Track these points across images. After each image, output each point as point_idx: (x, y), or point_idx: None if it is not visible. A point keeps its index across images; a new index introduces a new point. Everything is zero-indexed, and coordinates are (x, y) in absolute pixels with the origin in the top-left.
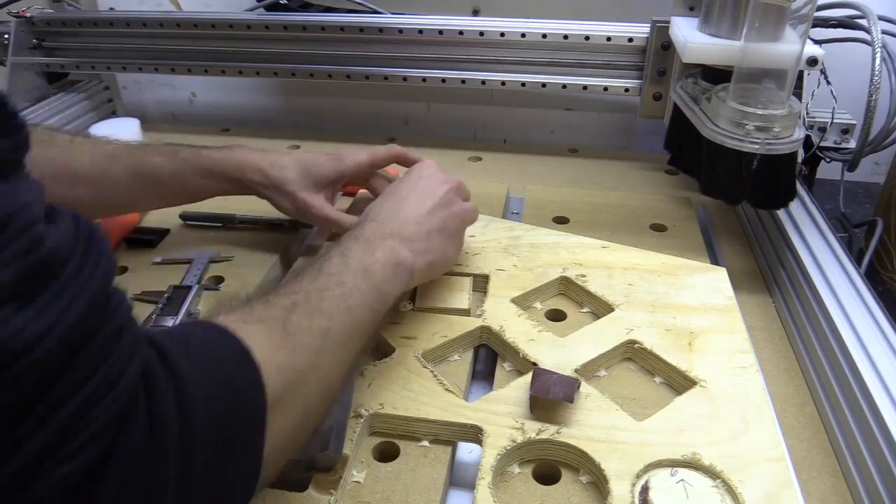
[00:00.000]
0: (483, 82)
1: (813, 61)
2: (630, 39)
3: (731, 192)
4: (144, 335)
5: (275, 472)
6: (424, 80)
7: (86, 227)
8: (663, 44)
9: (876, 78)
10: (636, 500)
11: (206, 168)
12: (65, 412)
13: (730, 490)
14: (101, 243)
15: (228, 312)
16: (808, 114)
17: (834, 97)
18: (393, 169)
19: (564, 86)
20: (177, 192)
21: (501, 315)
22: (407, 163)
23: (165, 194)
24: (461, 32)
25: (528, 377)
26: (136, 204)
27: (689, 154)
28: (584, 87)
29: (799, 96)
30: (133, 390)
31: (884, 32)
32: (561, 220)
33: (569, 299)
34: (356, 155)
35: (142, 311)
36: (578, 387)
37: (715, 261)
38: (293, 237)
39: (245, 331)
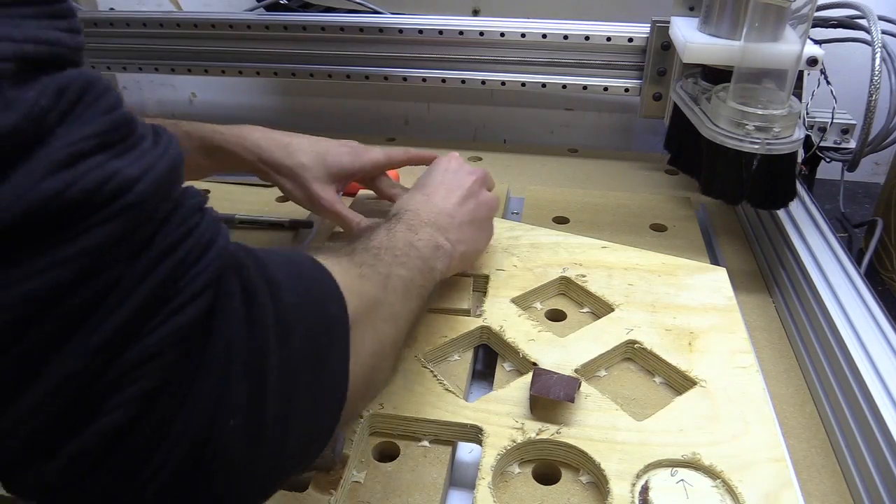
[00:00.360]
0: (483, 82)
1: (813, 61)
2: (630, 39)
3: (731, 192)
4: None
5: (355, 411)
6: (424, 80)
7: (148, 124)
8: (663, 44)
9: (876, 78)
10: (636, 500)
11: (216, 145)
12: (165, 266)
13: (730, 490)
14: (168, 134)
15: None
16: (808, 114)
17: (834, 97)
18: (393, 172)
19: (564, 86)
20: None
21: (501, 315)
22: (425, 163)
23: None
24: (461, 32)
25: (528, 377)
26: None
27: (689, 154)
28: (584, 87)
29: (799, 96)
30: (225, 260)
31: (884, 32)
32: (561, 220)
33: (569, 299)
34: (374, 153)
35: None
36: (579, 386)
37: (715, 261)
38: (293, 237)
39: (317, 258)
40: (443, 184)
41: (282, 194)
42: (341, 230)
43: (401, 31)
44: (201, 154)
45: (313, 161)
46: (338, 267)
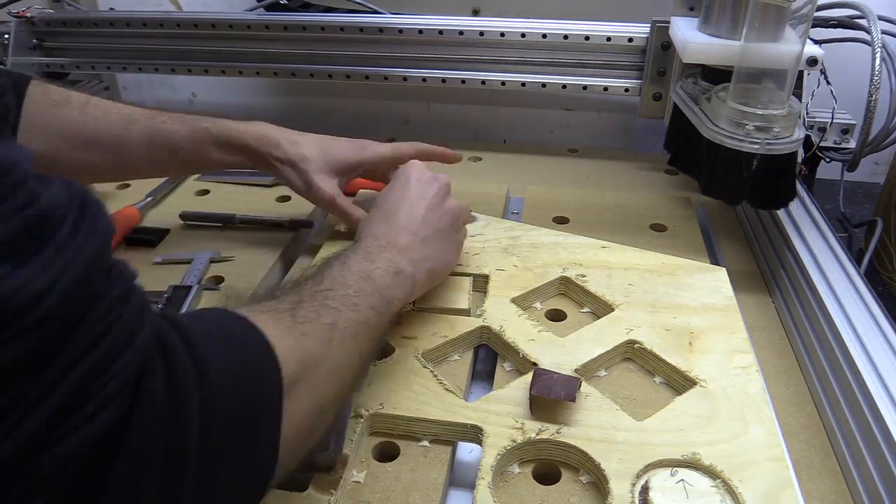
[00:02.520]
0: (483, 82)
1: (813, 61)
2: (630, 39)
3: (731, 192)
4: (155, 310)
5: (290, 462)
6: (424, 80)
7: (78, 190)
8: (663, 44)
9: (876, 78)
10: (636, 500)
11: (227, 139)
12: (77, 373)
13: (730, 490)
14: (96, 205)
15: (235, 307)
16: (808, 114)
17: (834, 97)
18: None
19: (564, 86)
20: (193, 160)
21: (501, 315)
22: (434, 158)
23: (181, 162)
24: (461, 32)
25: (528, 377)
26: (152, 170)
27: (689, 154)
28: (584, 87)
29: (799, 96)
30: (148, 351)
31: (884, 32)
32: (561, 220)
33: (569, 299)
34: (379, 146)
35: None
36: (579, 386)
37: (715, 261)
38: (293, 237)
39: (255, 318)
40: (404, 198)
41: (282, 195)
42: (342, 229)
43: (401, 31)
44: (220, 148)
45: (316, 153)
46: (278, 329)
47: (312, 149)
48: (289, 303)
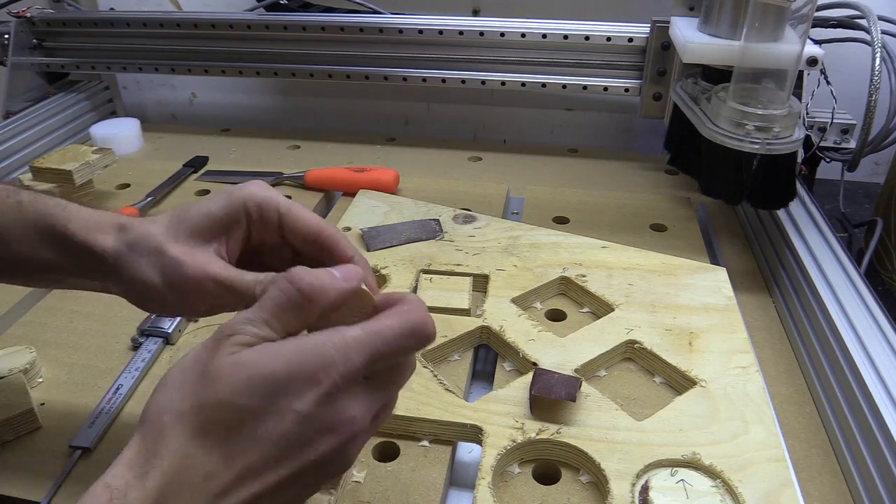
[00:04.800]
0: (483, 82)
1: (813, 61)
2: (630, 39)
3: (731, 192)
4: None
5: None
6: (424, 80)
7: None
8: (663, 44)
9: (876, 78)
10: (636, 500)
11: (48, 226)
12: None
13: (730, 490)
14: None
15: None
16: (808, 114)
17: (834, 97)
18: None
19: (564, 86)
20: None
21: (501, 315)
22: (345, 296)
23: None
24: (461, 32)
25: (529, 377)
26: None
27: (689, 154)
28: (584, 87)
29: (799, 96)
30: None
31: (884, 32)
32: (561, 220)
33: (569, 299)
34: (264, 188)
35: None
36: (580, 386)
37: (715, 261)
38: None
39: None
40: (266, 438)
41: (282, 195)
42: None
43: (401, 31)
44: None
45: (162, 223)
46: None
47: (158, 221)
48: None
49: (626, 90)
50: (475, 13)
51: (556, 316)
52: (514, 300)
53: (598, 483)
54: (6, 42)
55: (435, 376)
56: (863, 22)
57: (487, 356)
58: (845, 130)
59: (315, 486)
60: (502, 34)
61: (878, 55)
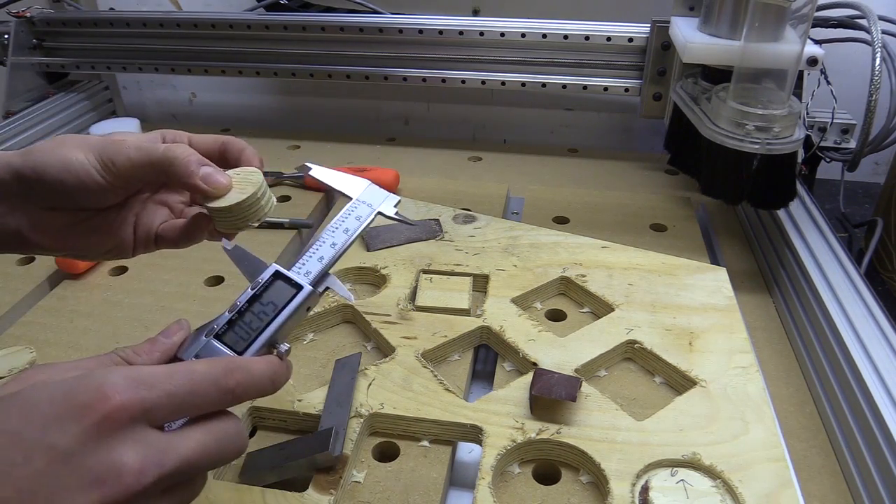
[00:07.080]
0: (483, 82)
1: (813, 61)
2: (630, 39)
3: (731, 192)
4: None
5: None
6: (424, 80)
7: None
8: (663, 44)
9: (876, 78)
10: (636, 500)
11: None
12: None
13: (730, 490)
14: None
15: None
16: (808, 114)
17: (834, 97)
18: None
19: (564, 86)
20: None
21: (501, 315)
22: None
23: None
24: (461, 32)
25: (529, 377)
26: None
27: (689, 154)
28: (584, 87)
29: (799, 96)
30: None
31: (884, 32)
32: (561, 220)
33: (569, 299)
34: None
35: (141, 314)
36: (580, 386)
37: (715, 261)
38: (293, 237)
39: None
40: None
41: (282, 195)
42: None
43: (401, 31)
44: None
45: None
46: None
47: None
48: None
49: (626, 90)
50: (475, 13)
51: (556, 316)
52: (514, 300)
53: (598, 483)
54: (6, 42)
55: (435, 376)
56: (863, 22)
57: (487, 356)
58: (845, 130)
59: None
60: (502, 34)
61: (878, 55)
